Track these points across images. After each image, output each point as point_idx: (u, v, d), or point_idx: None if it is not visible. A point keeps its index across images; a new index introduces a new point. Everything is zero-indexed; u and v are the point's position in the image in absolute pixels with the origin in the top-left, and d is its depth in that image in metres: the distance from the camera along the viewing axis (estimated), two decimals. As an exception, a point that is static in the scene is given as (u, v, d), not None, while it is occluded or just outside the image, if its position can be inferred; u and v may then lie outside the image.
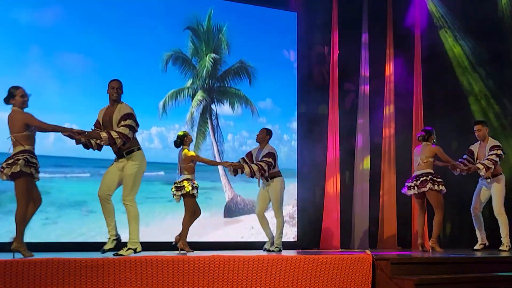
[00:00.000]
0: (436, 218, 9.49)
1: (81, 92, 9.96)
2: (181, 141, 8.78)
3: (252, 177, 9.06)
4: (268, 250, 9.09)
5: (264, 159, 9.08)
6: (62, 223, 9.67)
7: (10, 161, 6.81)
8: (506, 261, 8.03)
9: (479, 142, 10.02)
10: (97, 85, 9.97)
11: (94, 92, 9.91)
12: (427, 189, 9.30)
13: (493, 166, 9.67)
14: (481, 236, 9.97)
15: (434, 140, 9.66)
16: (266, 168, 9.01)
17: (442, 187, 9.36)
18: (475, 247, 9.96)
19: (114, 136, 7.06)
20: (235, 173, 9.19)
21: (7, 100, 7.09)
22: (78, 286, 5.93)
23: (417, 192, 9.45)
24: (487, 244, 9.91)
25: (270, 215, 9.40)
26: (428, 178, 9.33)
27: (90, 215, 9.84)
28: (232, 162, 9.20)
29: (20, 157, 6.78)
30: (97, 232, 9.79)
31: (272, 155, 9.13)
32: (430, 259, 7.70)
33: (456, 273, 7.36)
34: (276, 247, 9.12)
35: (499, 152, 9.74)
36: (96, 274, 6.01)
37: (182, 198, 8.55)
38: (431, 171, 9.44)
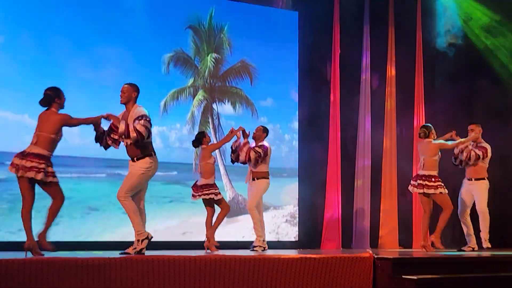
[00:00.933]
0: (444, 214, 9.43)
1: (81, 91, 9.96)
2: (199, 140, 8.89)
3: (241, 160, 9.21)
4: (253, 249, 9.06)
5: (255, 148, 9.10)
6: (64, 222, 9.66)
7: (31, 164, 6.87)
8: (507, 261, 8.03)
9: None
10: (97, 84, 9.99)
11: (94, 91, 9.93)
12: (437, 192, 9.31)
13: (472, 161, 9.74)
14: (472, 240, 9.90)
15: (435, 136, 9.66)
16: (253, 156, 9.01)
17: (443, 190, 9.38)
18: (463, 248, 9.87)
19: (130, 129, 7.11)
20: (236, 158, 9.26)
21: (47, 103, 7.19)
22: (81, 285, 5.94)
23: (423, 192, 9.44)
24: (475, 249, 9.82)
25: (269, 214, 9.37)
26: (436, 183, 9.34)
27: (92, 214, 9.86)
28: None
29: (42, 167, 6.91)
30: (100, 231, 9.81)
31: (265, 148, 9.14)
32: (431, 259, 7.70)
33: (457, 273, 7.37)
34: (259, 246, 9.08)
35: (480, 152, 9.76)
36: (98, 273, 6.02)
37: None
38: (435, 173, 9.46)
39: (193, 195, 8.89)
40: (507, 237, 11.25)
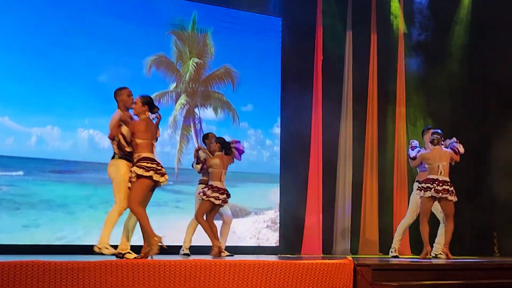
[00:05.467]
0: (450, 226, 9.32)
1: (61, 93, 9.90)
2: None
3: None
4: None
5: None
6: (43, 226, 9.61)
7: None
8: (486, 267, 8.07)
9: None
10: (80, 87, 9.95)
11: (75, 93, 9.89)
12: (450, 199, 9.15)
13: None
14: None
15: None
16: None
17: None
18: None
19: None
20: None
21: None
22: (59, 289, 5.90)
23: (436, 197, 9.17)
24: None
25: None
26: (451, 188, 9.16)
27: (71, 217, 9.79)
28: None
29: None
30: (79, 235, 9.75)
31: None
32: (411, 265, 7.72)
33: (437, 280, 7.39)
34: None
35: None
36: (77, 277, 5.97)
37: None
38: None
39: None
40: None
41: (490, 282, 7.51)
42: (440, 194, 9.11)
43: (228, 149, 8.82)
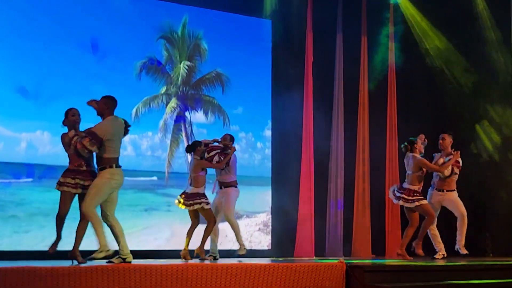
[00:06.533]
0: (409, 230, 9.49)
1: (51, 98, 9.86)
2: (194, 148, 8.79)
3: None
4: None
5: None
6: (33, 231, 9.56)
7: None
8: (478, 269, 8.08)
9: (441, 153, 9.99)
10: (69, 91, 9.91)
11: (66, 99, 9.83)
12: (412, 206, 9.38)
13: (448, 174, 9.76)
14: (440, 247, 9.89)
15: (422, 150, 9.67)
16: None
17: (421, 202, 9.38)
18: (434, 256, 9.78)
19: (76, 141, 7.43)
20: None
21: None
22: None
23: (403, 205, 9.54)
24: (445, 255, 9.83)
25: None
26: (405, 196, 9.39)
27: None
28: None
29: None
30: (69, 241, 9.69)
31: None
32: (403, 267, 7.73)
33: (429, 281, 7.40)
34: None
35: (457, 170, 9.80)
36: (68, 282, 5.95)
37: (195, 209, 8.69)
38: (415, 187, 9.44)
39: (183, 204, 8.68)
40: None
41: (483, 282, 7.51)
42: (401, 202, 9.52)
43: (189, 152, 8.93)
